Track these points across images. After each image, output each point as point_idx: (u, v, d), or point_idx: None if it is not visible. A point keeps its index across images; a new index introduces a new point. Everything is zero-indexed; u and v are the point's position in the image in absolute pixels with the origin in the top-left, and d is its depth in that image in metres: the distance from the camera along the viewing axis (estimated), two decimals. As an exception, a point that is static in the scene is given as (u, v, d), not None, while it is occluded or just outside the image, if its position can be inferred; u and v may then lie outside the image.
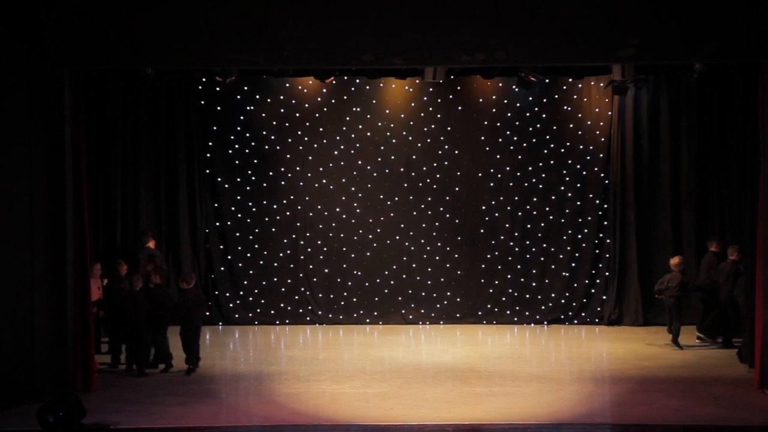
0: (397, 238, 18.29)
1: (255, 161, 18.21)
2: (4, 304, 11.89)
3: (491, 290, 18.24)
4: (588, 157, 18.13)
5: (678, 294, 15.74)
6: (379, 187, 18.24)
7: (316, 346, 16.47)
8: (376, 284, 18.28)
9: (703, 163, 17.77)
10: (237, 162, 18.19)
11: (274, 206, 18.27)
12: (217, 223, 18.28)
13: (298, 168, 18.23)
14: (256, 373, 14.07)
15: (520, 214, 18.21)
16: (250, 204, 18.26)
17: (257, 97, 18.15)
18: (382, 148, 18.21)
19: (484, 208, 18.24)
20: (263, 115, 18.18)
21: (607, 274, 18.12)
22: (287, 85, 18.06)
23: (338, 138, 18.19)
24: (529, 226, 18.23)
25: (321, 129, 18.20)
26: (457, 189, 18.24)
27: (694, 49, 12.25)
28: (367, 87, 18.08)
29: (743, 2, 11.99)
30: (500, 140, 18.18)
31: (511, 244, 18.23)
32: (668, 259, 17.73)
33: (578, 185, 18.16)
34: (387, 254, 18.28)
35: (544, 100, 18.09)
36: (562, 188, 18.17)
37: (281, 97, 18.17)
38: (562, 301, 18.19)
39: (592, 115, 18.09)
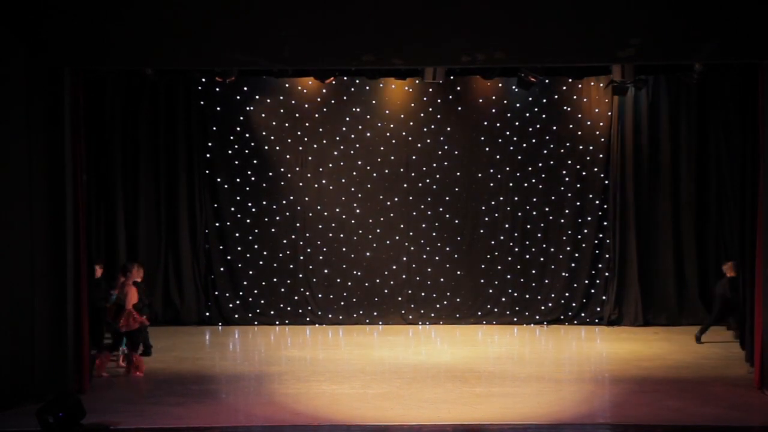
0: (397, 238, 18.29)
1: (255, 161, 18.21)
2: (4, 305, 11.88)
3: (491, 290, 18.24)
4: (588, 157, 18.13)
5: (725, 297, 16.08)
6: (379, 188, 18.24)
7: (316, 346, 16.46)
8: (376, 284, 18.28)
9: (703, 163, 17.77)
10: (237, 162, 18.19)
11: (274, 206, 18.27)
12: (217, 224, 18.27)
13: (297, 168, 18.23)
14: (256, 373, 14.07)
15: (519, 214, 18.21)
16: (250, 204, 18.25)
17: (257, 97, 18.15)
18: (381, 148, 18.21)
19: (483, 208, 18.24)
20: (263, 115, 18.18)
21: (606, 274, 18.12)
22: (287, 85, 18.05)
23: (338, 138, 18.19)
24: (528, 226, 18.23)
25: (321, 129, 18.20)
26: (456, 189, 18.24)
27: (694, 49, 12.25)
28: (367, 87, 18.07)
29: (743, 2, 11.98)
30: (500, 140, 18.18)
31: (511, 244, 18.23)
32: (668, 259, 17.85)
33: (578, 185, 18.17)
34: (387, 254, 18.28)
35: (544, 101, 18.08)
36: (562, 188, 18.17)
37: (281, 97, 18.17)
38: (562, 301, 18.19)
39: (592, 115, 18.09)
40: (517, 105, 18.13)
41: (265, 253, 18.25)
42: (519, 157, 18.16)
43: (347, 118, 18.18)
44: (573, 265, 18.19)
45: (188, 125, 18.12)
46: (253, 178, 18.23)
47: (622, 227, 17.94)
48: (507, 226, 18.22)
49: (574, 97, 18.09)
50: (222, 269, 18.20)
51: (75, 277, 12.40)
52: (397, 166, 18.24)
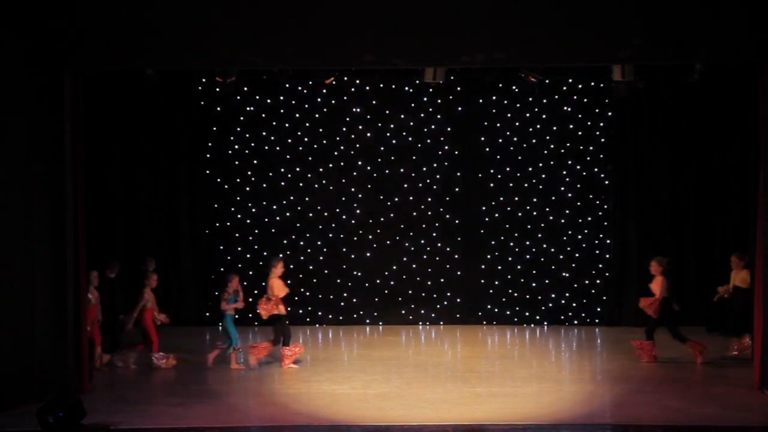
0: (397, 238, 18.29)
1: (255, 161, 18.22)
2: (4, 305, 11.87)
3: (491, 290, 18.24)
4: (588, 157, 18.14)
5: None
6: (379, 188, 18.25)
7: (316, 346, 16.46)
8: (376, 284, 18.28)
9: (703, 163, 17.76)
10: (237, 162, 18.20)
11: (274, 206, 18.29)
12: (217, 224, 18.28)
13: (298, 168, 18.24)
14: (256, 373, 14.07)
15: (520, 214, 18.22)
16: (250, 204, 18.26)
17: (257, 97, 18.16)
18: (382, 148, 18.22)
19: (484, 208, 18.25)
20: (263, 115, 18.19)
21: (607, 274, 18.12)
22: (287, 85, 18.06)
23: (338, 138, 18.20)
24: (529, 226, 18.24)
25: (321, 129, 18.21)
26: (456, 189, 18.25)
27: (695, 49, 12.25)
28: (367, 87, 18.08)
29: (743, 3, 11.98)
30: (500, 140, 18.18)
31: (511, 244, 18.24)
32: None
33: (578, 185, 18.17)
34: (387, 255, 18.28)
35: (544, 101, 18.09)
36: (562, 188, 18.18)
37: (281, 97, 18.18)
38: (562, 301, 18.19)
39: (592, 115, 18.09)
40: (517, 105, 18.13)
41: (265, 253, 18.25)
42: (519, 157, 18.16)
43: (347, 118, 18.18)
44: (573, 265, 18.20)
45: (188, 125, 18.12)
46: (253, 178, 18.24)
47: (622, 227, 17.94)
48: (507, 226, 18.23)
49: (574, 97, 18.09)
50: (222, 269, 18.19)
51: (75, 277, 12.39)
52: (397, 166, 18.25)
